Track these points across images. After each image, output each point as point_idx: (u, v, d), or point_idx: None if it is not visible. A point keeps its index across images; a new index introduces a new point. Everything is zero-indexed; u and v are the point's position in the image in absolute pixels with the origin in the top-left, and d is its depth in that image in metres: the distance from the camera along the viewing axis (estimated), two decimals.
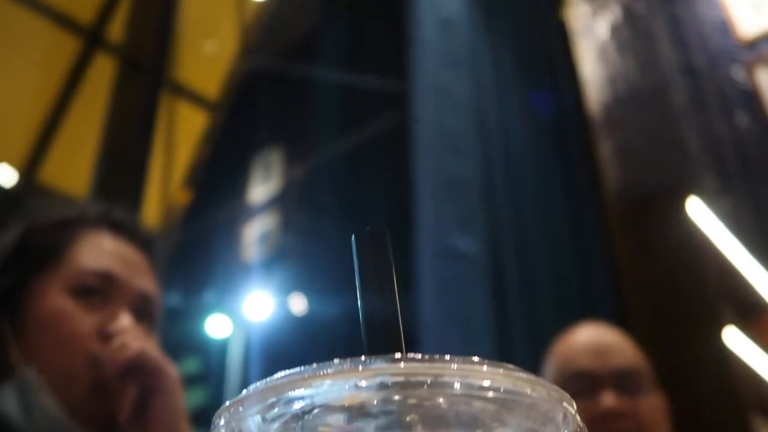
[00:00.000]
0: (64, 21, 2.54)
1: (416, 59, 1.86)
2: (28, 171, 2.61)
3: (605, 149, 2.36)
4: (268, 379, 0.21)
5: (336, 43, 2.77)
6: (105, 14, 2.60)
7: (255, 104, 3.26)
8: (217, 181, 3.75)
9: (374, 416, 0.21)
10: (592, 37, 2.74)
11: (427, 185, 1.57)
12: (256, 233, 4.02)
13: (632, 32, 3.19)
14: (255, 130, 3.49)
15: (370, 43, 2.69)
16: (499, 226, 1.67)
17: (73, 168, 2.63)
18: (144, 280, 0.67)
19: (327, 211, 2.78)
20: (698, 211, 2.08)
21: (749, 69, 3.32)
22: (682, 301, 1.91)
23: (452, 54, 1.86)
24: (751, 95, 3.28)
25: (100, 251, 0.66)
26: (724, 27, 3.48)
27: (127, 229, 0.70)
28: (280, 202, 3.81)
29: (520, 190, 1.85)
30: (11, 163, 2.59)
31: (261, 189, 4.05)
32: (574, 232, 1.95)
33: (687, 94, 3.48)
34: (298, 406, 0.21)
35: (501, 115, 1.89)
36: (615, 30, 3.01)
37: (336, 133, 2.76)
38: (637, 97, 2.87)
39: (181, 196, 3.48)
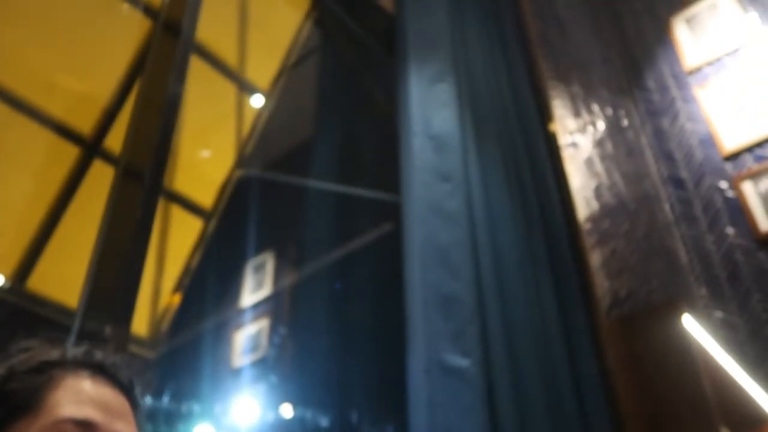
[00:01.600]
0: (63, 131, 2.60)
1: (408, 174, 1.90)
2: (20, 278, 2.61)
3: (595, 261, 2.38)
4: None
5: (329, 153, 2.84)
6: (105, 125, 2.67)
7: (248, 210, 3.30)
8: (207, 286, 3.74)
9: None
10: (579, 150, 2.81)
11: (418, 300, 1.57)
12: (245, 340, 3.97)
13: (618, 145, 3.29)
14: (247, 235, 3.51)
15: (362, 155, 2.75)
16: (492, 342, 1.65)
17: (65, 276, 2.63)
18: (125, 426, 0.66)
19: (318, 320, 2.76)
20: (689, 323, 2.07)
21: (734, 181, 3.40)
22: (677, 414, 1.88)
23: (444, 170, 1.90)
24: (737, 207, 3.34)
25: (80, 397, 0.64)
26: (709, 140, 3.59)
27: (109, 372, 0.69)
28: (270, 308, 3.79)
29: (513, 305, 1.84)
30: (2, 269, 2.60)
31: (252, 295, 4.03)
32: (567, 345, 1.93)
33: (674, 206, 3.54)
34: None
35: (491, 229, 1.91)
36: (601, 143, 3.10)
37: (328, 242, 2.79)
38: (625, 209, 2.92)
39: (172, 302, 3.47)
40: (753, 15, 3.79)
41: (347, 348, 2.53)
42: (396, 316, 1.77)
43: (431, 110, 2.02)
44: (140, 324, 2.90)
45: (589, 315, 2.08)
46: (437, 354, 1.55)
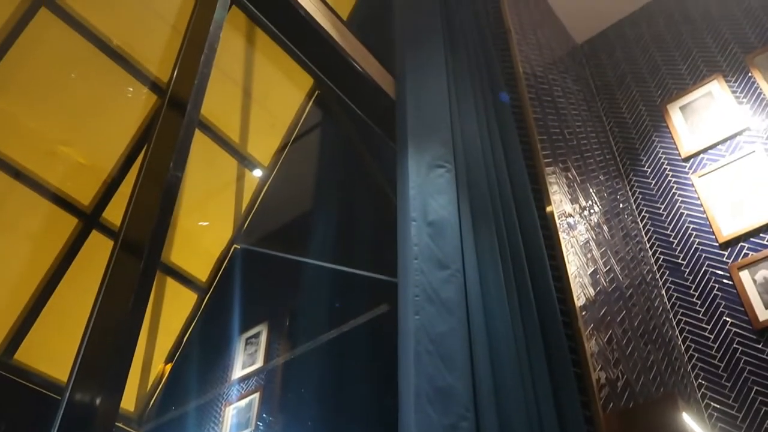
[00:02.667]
0: (62, 202, 2.61)
1: (403, 260, 1.90)
2: (9, 350, 2.57)
3: (591, 350, 2.35)
4: None
5: (327, 230, 2.85)
6: (105, 197, 2.68)
7: (243, 283, 3.29)
8: (199, 359, 3.69)
9: None
10: (575, 235, 2.82)
11: (410, 391, 1.54)
12: (235, 414, 3.90)
13: (614, 230, 3.30)
14: (241, 308, 3.49)
15: (361, 234, 2.76)
16: None
17: (55, 349, 2.60)
18: None
19: (309, 398, 2.71)
20: (688, 417, 2.03)
21: (731, 269, 3.40)
22: None
23: (440, 257, 1.90)
24: (735, 296, 3.33)
25: None
26: (705, 226, 3.61)
27: None
28: (262, 383, 3.73)
29: (507, 399, 1.81)
30: None
31: (244, 369, 3.98)
32: None
33: (671, 293, 3.53)
34: None
35: (487, 318, 1.90)
36: (597, 227, 3.11)
37: (323, 319, 2.76)
38: (622, 295, 2.91)
39: (162, 375, 3.41)
40: (745, 106, 3.87)
41: (338, 429, 2.48)
42: (390, 401, 1.73)
43: (429, 196, 2.03)
44: (128, 399, 2.84)
45: (585, 407, 2.05)
46: None
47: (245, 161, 3.22)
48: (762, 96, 3.82)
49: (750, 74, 3.96)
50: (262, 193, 3.24)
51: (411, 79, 2.39)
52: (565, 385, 2.02)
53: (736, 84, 3.98)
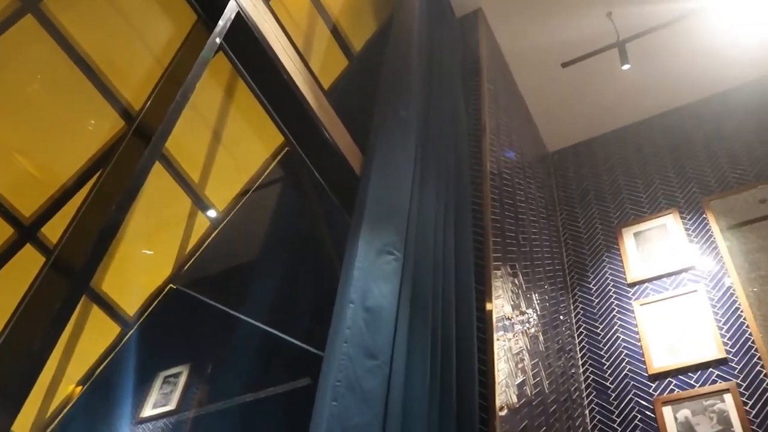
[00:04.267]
0: (2, 210, 2.53)
1: (333, 341, 1.87)
2: None
3: None
4: None
5: (266, 288, 2.81)
6: (47, 213, 2.60)
7: (172, 324, 3.20)
8: (111, 391, 3.54)
9: None
10: (510, 340, 2.82)
11: None
12: None
13: (550, 342, 3.31)
14: (166, 347, 3.39)
15: (298, 303, 2.73)
16: None
17: None
18: None
19: None
20: None
21: (656, 402, 3.43)
22: None
23: (371, 346, 1.88)
24: (655, 429, 3.35)
25: None
26: (639, 355, 3.65)
27: None
28: (170, 429, 3.60)
29: None
30: None
31: (156, 408, 3.84)
32: None
33: (594, 414, 3.54)
34: None
35: (405, 414, 1.86)
36: (534, 338, 3.12)
37: (244, 378, 2.69)
38: (545, 408, 2.90)
39: (69, 400, 3.27)
40: (695, 245, 3.98)
41: None
42: None
43: (372, 281, 2.02)
44: (23, 422, 2.70)
45: None
46: None
47: (200, 202, 3.17)
48: (712, 239, 3.94)
49: (704, 215, 4.09)
50: (210, 238, 3.19)
51: (379, 161, 2.40)
52: None
53: (690, 222, 4.11)
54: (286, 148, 3.03)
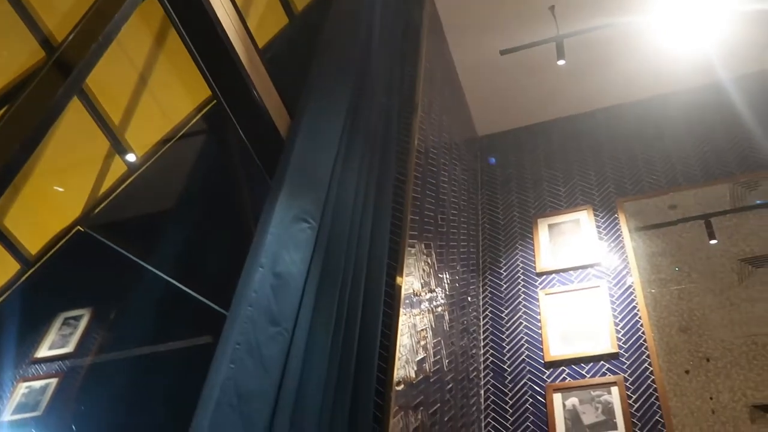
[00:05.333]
0: None
1: (238, 303, 1.85)
2: None
3: (394, 429, 2.37)
4: None
5: (177, 241, 2.76)
6: None
7: (77, 268, 3.10)
8: (5, 328, 3.43)
9: None
10: (416, 316, 2.87)
11: None
12: (28, 393, 3.66)
13: (455, 322, 3.39)
14: (69, 289, 3.29)
15: (208, 260, 2.69)
16: None
17: None
18: None
19: (102, 407, 2.57)
20: None
21: (548, 389, 3.57)
22: None
23: (275, 312, 1.88)
24: (543, 413, 3.49)
25: None
26: (537, 342, 3.78)
27: None
28: (64, 371, 3.52)
29: None
30: None
31: (53, 349, 3.75)
32: None
33: (488, 394, 3.65)
34: None
35: (301, 383, 1.88)
36: (440, 316, 3.19)
37: (145, 330, 2.65)
38: (442, 386, 2.97)
39: None
40: (604, 243, 4.13)
41: None
42: None
43: (284, 247, 2.01)
44: None
45: None
46: None
47: (118, 144, 3.07)
48: (620, 238, 4.10)
49: (616, 215, 4.24)
50: (126, 183, 3.10)
51: (306, 126, 2.38)
52: None
53: (602, 220, 4.26)
54: (214, 102, 2.96)
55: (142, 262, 2.71)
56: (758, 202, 4.21)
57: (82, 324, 3.63)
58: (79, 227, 2.99)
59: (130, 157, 3.18)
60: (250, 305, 1.85)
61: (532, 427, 3.50)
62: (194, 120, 3.00)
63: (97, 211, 3.06)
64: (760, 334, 3.57)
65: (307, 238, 2.12)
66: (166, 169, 3.02)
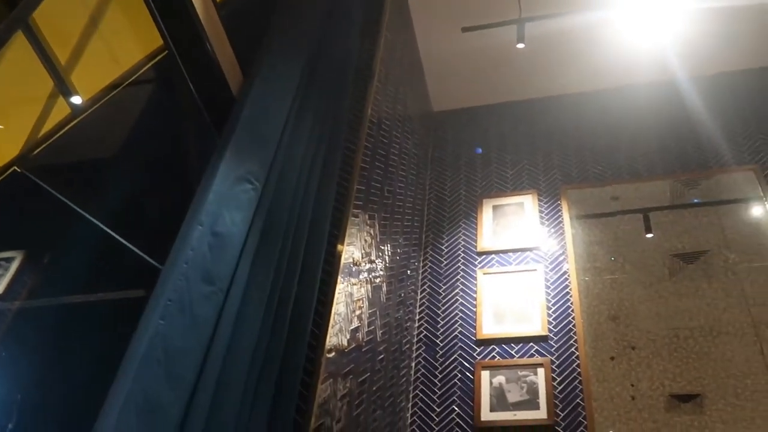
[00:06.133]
0: None
1: (174, 258, 1.84)
2: None
3: (320, 395, 2.38)
4: None
5: (116, 192, 2.71)
6: None
7: (11, 209, 3.01)
8: None
9: None
10: (354, 285, 2.88)
11: (118, 400, 1.48)
12: None
13: (393, 294, 3.42)
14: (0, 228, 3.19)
15: (147, 212, 2.64)
16: None
17: None
18: None
19: (27, 353, 2.52)
20: None
21: (476, 366, 3.65)
22: None
23: (211, 271, 1.86)
24: (470, 390, 3.57)
25: None
26: (471, 320, 3.85)
27: None
28: None
29: (221, 420, 1.80)
30: None
31: None
32: None
33: (419, 368, 3.71)
34: None
35: (232, 345, 1.88)
36: (378, 288, 3.21)
37: (77, 279, 2.60)
38: (374, 356, 3.01)
39: None
40: (545, 228, 4.21)
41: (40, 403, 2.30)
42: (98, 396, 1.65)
43: (225, 207, 1.99)
44: None
45: None
46: None
47: (63, 85, 2.97)
48: (561, 225, 4.18)
49: (559, 202, 4.33)
50: (69, 126, 3.01)
51: (259, 86, 2.35)
52: (281, 429, 2.04)
53: (546, 206, 4.34)
54: (165, 52, 2.89)
55: (79, 209, 2.64)
56: (695, 200, 4.34)
57: (13, 267, 3.54)
58: (15, 167, 2.90)
59: (75, 100, 3.08)
60: (185, 262, 1.83)
61: (458, 401, 3.58)
62: (144, 68, 2.92)
63: (36, 152, 2.97)
64: (682, 327, 3.72)
65: (249, 199, 2.10)
66: (112, 115, 2.94)
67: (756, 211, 4.11)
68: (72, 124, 3.08)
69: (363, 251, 3.03)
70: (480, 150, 4.64)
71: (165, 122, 2.78)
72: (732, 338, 3.62)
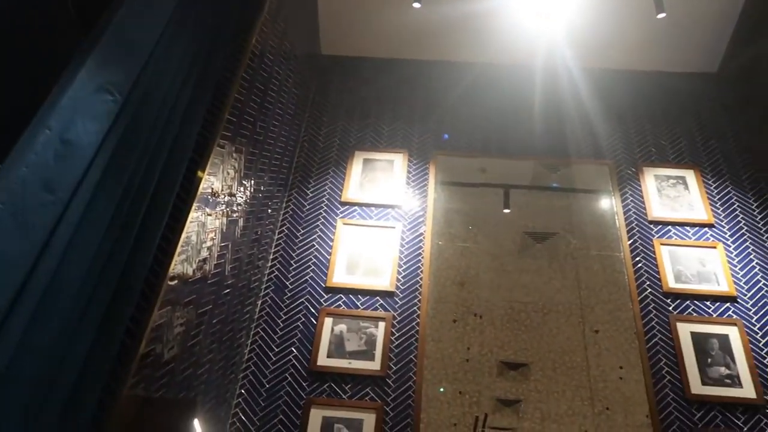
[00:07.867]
0: None
1: (13, 162, 1.72)
2: None
3: (153, 321, 2.32)
4: None
5: None
6: None
7: None
8: None
9: None
10: (209, 215, 2.82)
11: None
12: None
13: (249, 230, 3.38)
14: None
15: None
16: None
17: None
18: None
19: None
20: (198, 422, 2.14)
21: (321, 312, 3.70)
22: None
23: (53, 180, 1.76)
24: (311, 336, 3.61)
25: None
26: (324, 269, 3.88)
27: None
28: None
29: (47, 325, 1.73)
30: None
31: None
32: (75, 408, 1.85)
33: (263, 307, 3.70)
34: None
35: (65, 258, 1.80)
36: (234, 221, 3.17)
37: None
38: (218, 290, 2.98)
39: None
40: (412, 188, 4.30)
41: None
42: None
43: (79, 115, 1.88)
44: None
45: (115, 380, 2.03)
46: None
47: None
48: (425, 188, 4.29)
49: (427, 166, 4.42)
50: None
51: None
52: (107, 350, 1.99)
53: (414, 167, 4.42)
54: None
55: None
56: (554, 185, 4.57)
57: None
58: None
59: None
60: (26, 166, 1.72)
61: (297, 344, 3.63)
62: None
63: None
64: (517, 301, 3.95)
65: (107, 111, 2.00)
66: None
67: (604, 203, 4.39)
68: None
69: (224, 183, 2.97)
70: (447, 136, 4.61)
71: (26, 8, 2.56)
72: (560, 317, 3.89)
